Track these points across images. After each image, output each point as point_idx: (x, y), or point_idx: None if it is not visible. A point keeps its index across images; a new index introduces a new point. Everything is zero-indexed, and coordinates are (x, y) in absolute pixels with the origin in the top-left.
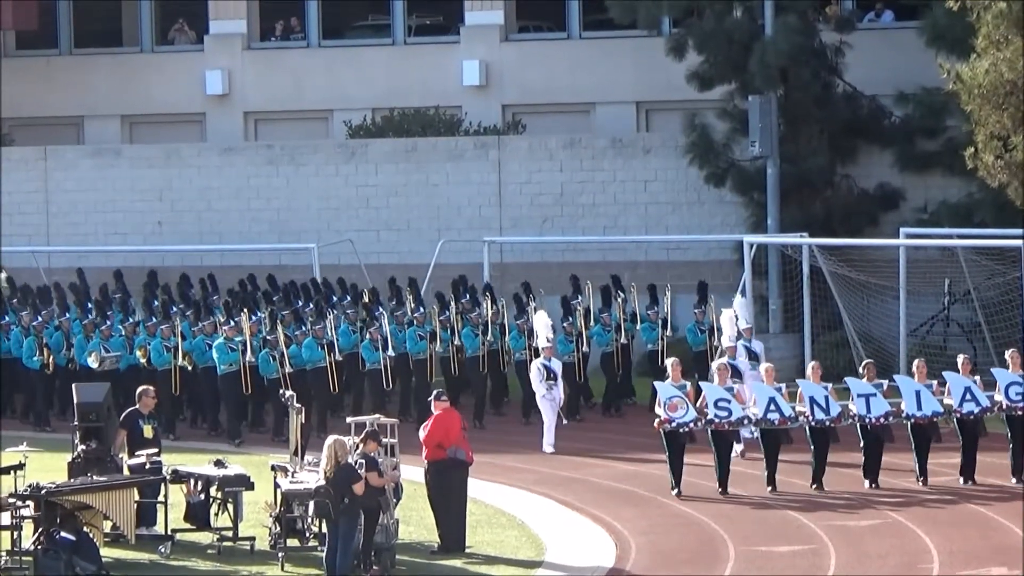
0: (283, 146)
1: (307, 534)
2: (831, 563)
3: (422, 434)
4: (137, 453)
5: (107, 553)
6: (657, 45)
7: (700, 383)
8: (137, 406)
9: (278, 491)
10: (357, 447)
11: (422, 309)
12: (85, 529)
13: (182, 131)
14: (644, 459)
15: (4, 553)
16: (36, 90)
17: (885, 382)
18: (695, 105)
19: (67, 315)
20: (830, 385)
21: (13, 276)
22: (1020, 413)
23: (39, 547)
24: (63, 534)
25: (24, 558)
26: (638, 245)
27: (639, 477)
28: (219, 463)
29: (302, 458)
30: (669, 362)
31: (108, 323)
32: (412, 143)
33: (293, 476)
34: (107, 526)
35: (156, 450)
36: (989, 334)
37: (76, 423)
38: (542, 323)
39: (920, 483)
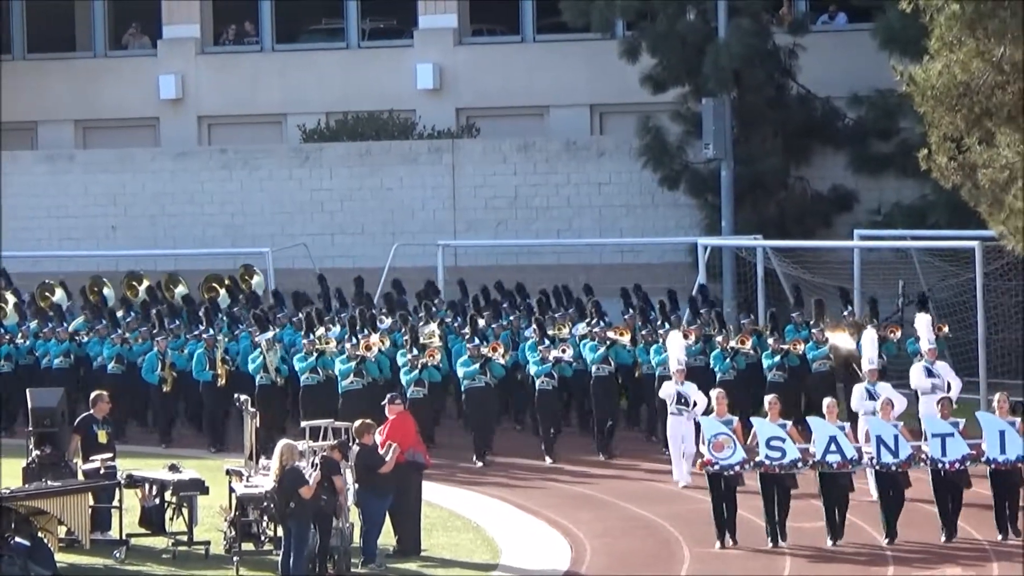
0: (237, 150)
1: (262, 538)
2: (786, 564)
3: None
4: (91, 458)
5: (62, 558)
6: (610, 48)
7: (751, 419)
8: (92, 411)
9: (233, 495)
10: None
11: (603, 322)
12: (40, 534)
13: (136, 136)
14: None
15: None
16: None
17: (962, 420)
18: (649, 108)
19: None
20: (900, 424)
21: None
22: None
23: None
24: (17, 539)
25: None
26: (592, 248)
27: (597, 482)
28: (173, 467)
29: (256, 462)
30: (714, 393)
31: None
32: (366, 147)
33: (248, 480)
34: (62, 531)
35: (111, 455)
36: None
37: (30, 428)
38: (676, 344)
39: (1003, 539)
